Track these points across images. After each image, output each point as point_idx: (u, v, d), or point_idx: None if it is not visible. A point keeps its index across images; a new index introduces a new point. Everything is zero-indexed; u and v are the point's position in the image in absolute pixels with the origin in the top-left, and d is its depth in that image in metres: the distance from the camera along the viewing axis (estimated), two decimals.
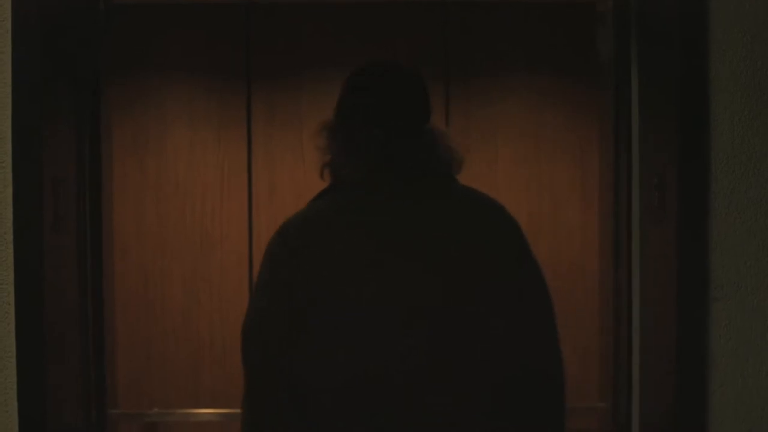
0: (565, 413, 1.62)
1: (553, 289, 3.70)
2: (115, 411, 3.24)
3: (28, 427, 1.60)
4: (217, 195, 3.61)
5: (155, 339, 3.56)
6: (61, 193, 1.86)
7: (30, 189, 1.63)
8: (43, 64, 1.71)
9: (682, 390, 1.75)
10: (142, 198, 3.57)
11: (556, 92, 3.67)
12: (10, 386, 1.59)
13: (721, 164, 1.69)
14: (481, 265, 1.60)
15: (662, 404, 1.83)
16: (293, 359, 1.56)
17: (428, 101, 1.70)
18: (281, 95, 3.55)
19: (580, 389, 3.54)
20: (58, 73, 1.85)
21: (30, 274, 1.62)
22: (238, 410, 3.49)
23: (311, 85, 3.48)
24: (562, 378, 1.62)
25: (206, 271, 3.56)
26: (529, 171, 3.67)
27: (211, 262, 3.55)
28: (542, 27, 3.62)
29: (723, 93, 1.69)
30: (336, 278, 1.57)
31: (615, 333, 2.07)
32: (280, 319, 1.58)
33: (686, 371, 1.74)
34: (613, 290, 2.08)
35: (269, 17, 3.56)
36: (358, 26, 3.61)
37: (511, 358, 1.58)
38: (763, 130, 1.68)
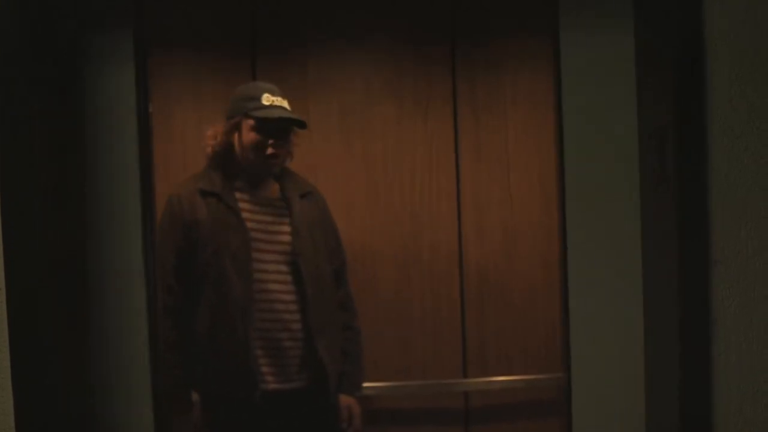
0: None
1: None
2: None
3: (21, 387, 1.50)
4: None
5: None
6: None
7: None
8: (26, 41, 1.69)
9: (686, 355, 1.72)
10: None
11: None
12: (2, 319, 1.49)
13: (719, 122, 1.65)
14: None
15: (666, 370, 1.81)
16: None
17: None
18: (286, 68, 3.52)
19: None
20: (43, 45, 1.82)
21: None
22: None
23: (317, 58, 3.45)
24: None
25: None
26: (539, 137, 3.62)
27: None
28: None
29: (720, 48, 1.64)
30: None
31: None
32: None
33: (689, 335, 1.71)
34: None
35: None
36: None
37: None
38: (762, 86, 1.63)
